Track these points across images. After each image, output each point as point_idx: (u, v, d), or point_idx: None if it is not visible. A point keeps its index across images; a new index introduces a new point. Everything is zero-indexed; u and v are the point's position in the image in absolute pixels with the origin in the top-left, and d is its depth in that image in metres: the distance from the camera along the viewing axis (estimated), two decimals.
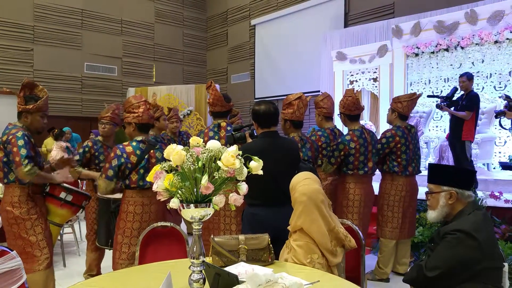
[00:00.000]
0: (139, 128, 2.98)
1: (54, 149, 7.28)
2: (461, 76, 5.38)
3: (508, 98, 5.07)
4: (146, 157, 2.90)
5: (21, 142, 2.78)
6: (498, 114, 5.07)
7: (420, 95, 4.29)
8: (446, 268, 1.92)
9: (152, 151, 2.94)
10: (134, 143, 2.91)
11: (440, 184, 2.14)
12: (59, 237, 4.65)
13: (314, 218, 2.07)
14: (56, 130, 7.82)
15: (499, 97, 6.57)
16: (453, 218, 2.10)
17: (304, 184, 2.15)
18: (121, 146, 2.89)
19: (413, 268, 2.15)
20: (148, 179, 1.52)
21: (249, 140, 2.87)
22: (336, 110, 4.11)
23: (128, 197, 2.92)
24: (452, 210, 2.10)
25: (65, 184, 3.20)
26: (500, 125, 5.84)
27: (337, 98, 8.02)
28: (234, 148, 1.48)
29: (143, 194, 2.90)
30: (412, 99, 4.08)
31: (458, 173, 2.22)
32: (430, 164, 2.28)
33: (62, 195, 3.15)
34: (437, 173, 2.20)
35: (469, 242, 1.90)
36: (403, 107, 4.07)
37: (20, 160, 2.74)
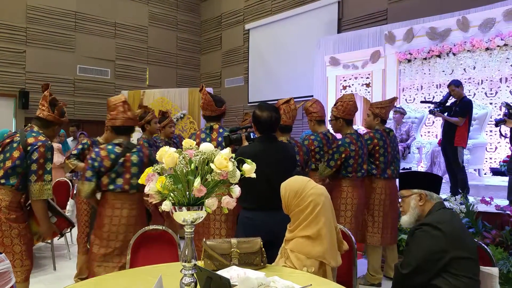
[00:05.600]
0: (115, 131, 2.88)
1: None
2: (448, 85, 5.42)
3: (508, 106, 5.06)
4: (121, 161, 2.79)
5: (49, 155, 2.69)
6: (499, 123, 5.05)
7: (396, 98, 4.36)
8: (417, 262, 1.99)
9: (128, 154, 2.83)
10: (109, 146, 2.81)
11: (411, 188, 2.25)
12: (49, 241, 4.61)
13: (330, 217, 2.06)
14: None
15: (490, 103, 6.65)
16: (424, 219, 2.19)
17: (315, 186, 2.12)
18: (96, 149, 2.80)
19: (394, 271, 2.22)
20: (140, 181, 1.51)
21: (245, 142, 2.86)
22: (327, 116, 4.12)
23: (102, 198, 2.84)
24: (422, 212, 2.20)
25: (54, 204, 3.05)
26: (500, 133, 5.86)
27: (330, 103, 8.06)
28: (227, 150, 1.47)
29: (116, 196, 2.79)
30: (393, 103, 4.18)
31: (426, 177, 2.35)
32: (400, 173, 2.37)
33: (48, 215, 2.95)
34: (407, 179, 2.33)
35: (434, 232, 1.99)
36: (386, 112, 4.13)
37: (43, 175, 2.63)
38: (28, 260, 2.77)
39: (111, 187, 2.77)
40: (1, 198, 2.66)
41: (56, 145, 7.38)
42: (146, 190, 1.47)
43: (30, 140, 2.67)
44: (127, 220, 2.80)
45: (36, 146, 2.64)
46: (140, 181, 1.50)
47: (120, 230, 2.78)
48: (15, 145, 2.68)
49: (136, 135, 6.23)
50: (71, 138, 8.53)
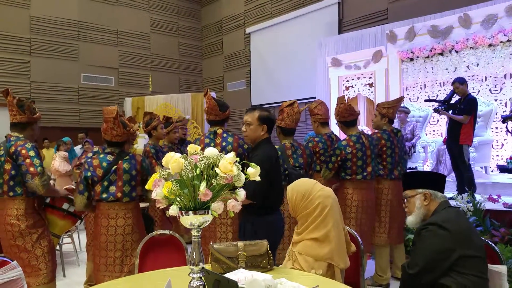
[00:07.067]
0: (106, 142, 2.98)
1: (56, 160, 7.24)
2: (453, 83, 5.38)
3: None
4: (113, 168, 2.85)
5: (32, 153, 2.79)
6: (506, 119, 5.00)
7: (403, 97, 4.42)
8: (425, 261, 1.99)
9: (120, 161, 2.88)
10: (101, 155, 2.89)
11: (415, 188, 2.24)
12: (58, 247, 4.64)
13: (338, 219, 2.07)
14: (46, 141, 8.09)
15: (495, 99, 6.62)
16: (429, 218, 2.18)
17: (322, 188, 2.12)
18: (89, 160, 2.88)
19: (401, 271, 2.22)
20: (147, 187, 1.53)
21: None
22: (333, 119, 4.13)
23: (97, 209, 2.89)
24: (428, 211, 2.19)
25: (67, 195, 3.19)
26: (507, 129, 5.82)
27: (333, 104, 8.04)
28: (231, 155, 1.49)
29: (110, 207, 2.84)
30: (399, 103, 4.20)
31: (430, 176, 2.34)
32: (404, 173, 2.35)
33: (65, 206, 3.13)
34: (411, 179, 2.31)
35: (440, 232, 1.99)
36: (393, 112, 4.13)
37: (35, 171, 2.74)
38: (51, 262, 2.91)
39: (104, 195, 2.82)
40: (17, 208, 2.80)
41: (62, 153, 7.43)
42: (153, 195, 1.48)
43: (11, 149, 2.80)
44: (123, 230, 2.84)
45: (18, 151, 2.78)
46: (147, 187, 1.52)
47: (117, 239, 2.82)
48: (2, 158, 2.82)
49: (142, 141, 6.27)
50: (80, 146, 8.57)
